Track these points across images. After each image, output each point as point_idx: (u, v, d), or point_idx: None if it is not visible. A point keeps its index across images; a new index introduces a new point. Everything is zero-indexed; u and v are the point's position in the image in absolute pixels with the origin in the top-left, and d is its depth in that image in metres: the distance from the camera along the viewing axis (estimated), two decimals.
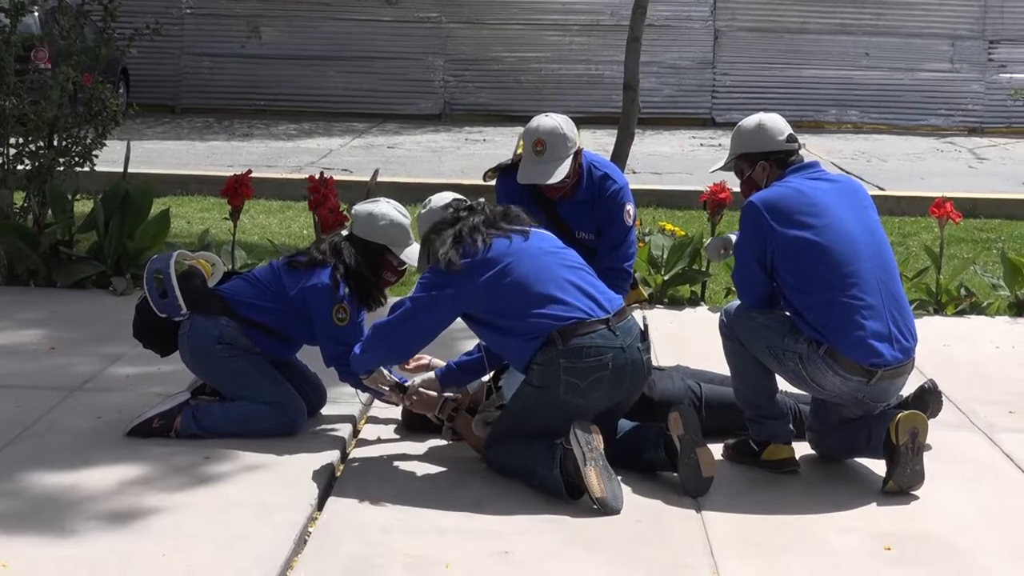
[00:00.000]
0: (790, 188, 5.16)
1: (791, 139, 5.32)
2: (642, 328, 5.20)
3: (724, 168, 5.55)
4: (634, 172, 15.49)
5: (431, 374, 5.52)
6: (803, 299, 5.03)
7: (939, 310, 8.33)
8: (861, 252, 5.05)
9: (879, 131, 23.16)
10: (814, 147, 19.87)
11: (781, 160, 5.29)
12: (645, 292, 7.91)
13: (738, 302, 5.31)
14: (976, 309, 8.35)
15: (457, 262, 5.03)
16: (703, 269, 8.54)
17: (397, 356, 5.40)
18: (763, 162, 5.30)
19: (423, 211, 5.38)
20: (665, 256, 8.55)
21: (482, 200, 5.43)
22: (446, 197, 5.39)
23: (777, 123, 5.36)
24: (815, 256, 5.00)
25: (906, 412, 4.96)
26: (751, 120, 5.42)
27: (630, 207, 6.17)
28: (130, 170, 9.43)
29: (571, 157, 5.95)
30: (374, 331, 5.26)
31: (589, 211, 6.05)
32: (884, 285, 5.05)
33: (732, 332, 5.22)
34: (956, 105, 23.95)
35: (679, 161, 17.33)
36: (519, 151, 6.07)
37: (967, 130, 23.54)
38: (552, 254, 5.20)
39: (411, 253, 5.58)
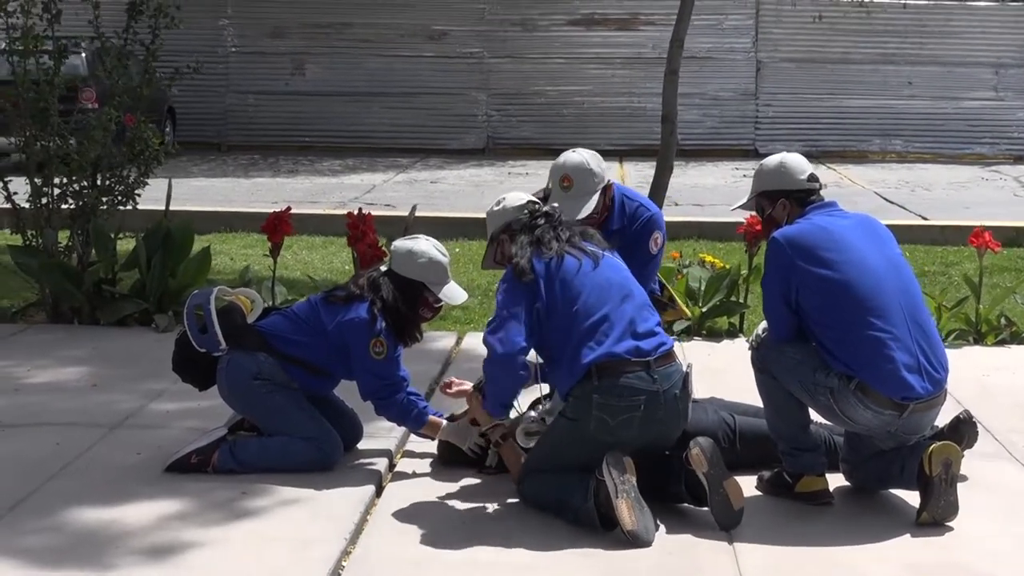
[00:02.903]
0: (812, 224, 5.17)
1: (812, 178, 5.34)
2: (685, 373, 5.18)
3: (745, 206, 5.58)
4: (676, 204, 15.52)
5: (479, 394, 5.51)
6: (830, 334, 5.03)
7: (979, 340, 8.30)
8: (885, 285, 5.05)
9: (924, 160, 23.11)
10: (858, 177, 19.84)
11: (801, 199, 5.31)
12: (687, 311, 7.85)
13: (767, 334, 5.32)
14: (1016, 339, 8.31)
15: (529, 272, 5.08)
16: (741, 301, 8.54)
17: (519, 369, 5.18)
18: (783, 200, 5.32)
19: (496, 208, 5.42)
20: (703, 288, 8.56)
21: (556, 205, 5.47)
22: (521, 197, 5.44)
23: (799, 162, 5.38)
24: (839, 291, 5.01)
25: (939, 443, 4.95)
26: (773, 159, 5.45)
27: (658, 235, 6.18)
28: (174, 208, 9.54)
29: (599, 192, 5.98)
30: (486, 370, 5.26)
31: (620, 244, 6.06)
32: (911, 317, 5.04)
33: (764, 365, 5.23)
34: (1001, 133, 23.89)
35: (722, 193, 17.32)
36: (550, 185, 6.11)
37: (1013, 158, 23.45)
38: (616, 286, 5.19)
39: (448, 291, 5.63)
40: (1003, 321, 8.41)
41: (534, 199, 5.44)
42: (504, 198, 5.45)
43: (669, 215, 12.99)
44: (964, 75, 23.82)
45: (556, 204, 5.59)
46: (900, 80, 23.86)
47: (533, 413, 5.57)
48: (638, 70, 23.50)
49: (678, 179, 17.58)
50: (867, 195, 17.45)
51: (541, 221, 5.28)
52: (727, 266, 9.11)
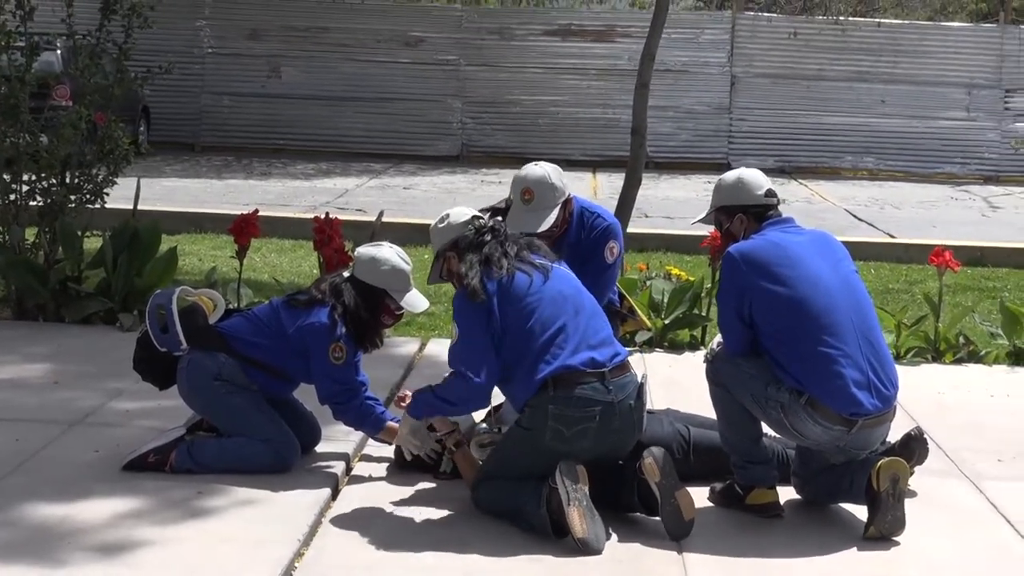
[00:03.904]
0: (766, 240, 5.24)
1: (769, 194, 5.40)
2: (639, 383, 5.23)
3: (704, 220, 5.64)
4: (646, 216, 15.61)
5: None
6: (781, 349, 5.09)
7: (937, 358, 8.37)
8: (837, 302, 5.12)
9: (895, 178, 23.30)
10: (828, 194, 19.96)
11: (759, 214, 5.37)
12: (647, 322, 7.90)
13: (721, 348, 5.38)
14: (974, 358, 8.39)
15: (481, 293, 5.12)
16: (703, 314, 8.60)
17: (483, 392, 5.24)
18: (740, 215, 5.39)
19: (440, 225, 5.41)
20: (666, 300, 8.61)
21: (500, 219, 5.51)
22: (465, 213, 5.43)
23: (756, 178, 5.44)
24: (792, 307, 5.07)
25: (887, 459, 5.01)
26: (731, 174, 5.52)
27: (614, 245, 6.22)
28: (145, 207, 9.57)
29: (559, 206, 6.03)
30: (453, 394, 5.31)
31: (576, 255, 6.10)
32: (862, 334, 5.10)
33: (718, 378, 5.29)
34: (972, 153, 24.07)
35: (693, 206, 17.36)
36: (511, 197, 6.16)
37: (983, 178, 23.67)
38: (568, 299, 5.24)
39: (410, 299, 5.67)
40: (961, 340, 8.49)
41: (478, 214, 5.46)
42: (448, 214, 5.44)
43: (638, 227, 13.16)
44: (937, 95, 24.00)
45: (501, 219, 5.62)
46: (873, 98, 24.02)
47: (485, 425, 5.62)
48: (613, 82, 23.59)
49: (650, 191, 17.70)
50: (837, 212, 17.57)
51: (488, 237, 5.30)
52: (692, 279, 9.16)
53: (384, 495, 5.45)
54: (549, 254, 5.41)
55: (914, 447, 5.62)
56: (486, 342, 5.14)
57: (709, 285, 8.69)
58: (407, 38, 24.01)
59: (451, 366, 5.30)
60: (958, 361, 8.37)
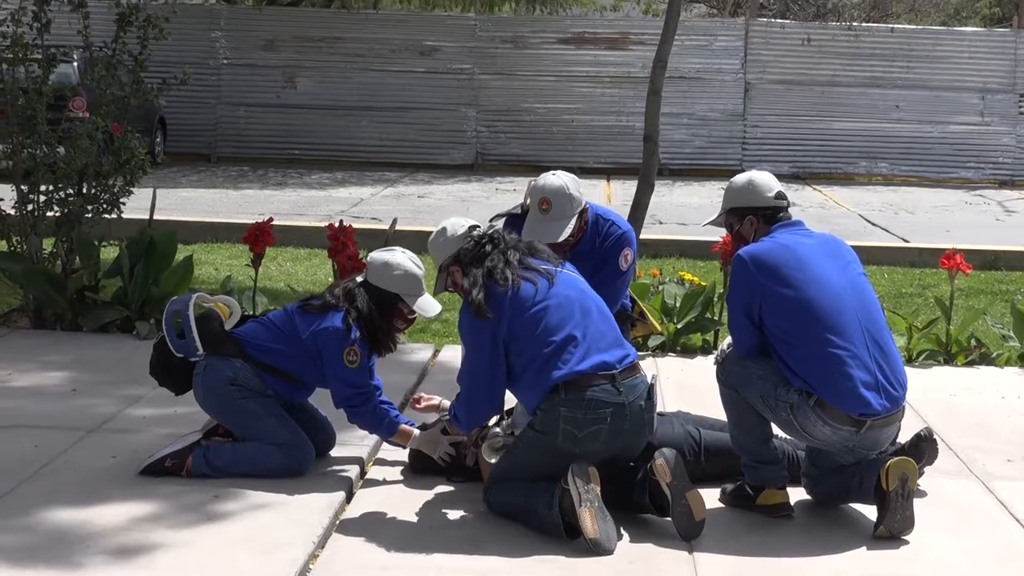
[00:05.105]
0: (776, 243, 5.28)
1: (779, 196, 5.45)
2: (650, 384, 5.28)
3: (715, 222, 5.69)
4: (660, 223, 15.65)
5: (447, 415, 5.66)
6: (790, 351, 5.14)
7: (949, 360, 8.40)
8: (845, 304, 5.16)
9: (909, 183, 23.30)
10: (843, 199, 19.98)
11: (768, 216, 5.41)
12: (658, 326, 7.96)
13: (731, 349, 5.43)
14: (985, 360, 8.42)
15: (486, 310, 5.16)
16: (715, 318, 8.64)
17: (491, 407, 5.43)
18: (751, 217, 5.43)
19: (440, 240, 5.44)
20: (678, 305, 8.66)
21: (496, 226, 5.54)
22: (462, 224, 5.45)
23: (766, 180, 5.49)
24: (800, 309, 5.11)
25: (896, 458, 5.05)
26: (742, 177, 5.56)
27: (628, 252, 6.29)
28: (162, 217, 9.64)
29: (576, 216, 6.10)
30: (459, 398, 5.45)
31: (590, 261, 6.17)
32: (870, 335, 5.14)
33: (728, 379, 5.34)
34: (987, 158, 24.07)
35: (706, 212, 17.18)
36: (527, 203, 6.22)
37: (998, 183, 23.65)
38: (574, 302, 5.27)
39: (422, 304, 5.72)
40: (973, 342, 8.52)
41: (475, 223, 5.47)
42: (445, 228, 5.46)
43: (652, 233, 13.21)
44: (951, 100, 24.01)
45: (507, 221, 5.66)
46: (887, 103, 24.04)
47: (498, 429, 5.67)
48: (627, 89, 23.64)
49: (664, 198, 17.77)
50: (851, 217, 17.59)
51: (488, 248, 5.33)
52: (704, 284, 9.20)
53: (398, 498, 5.50)
54: (553, 257, 5.45)
55: (924, 447, 5.65)
56: (492, 355, 5.21)
57: (721, 290, 8.73)
58: (421, 47, 24.11)
59: (459, 382, 5.43)
60: (970, 363, 8.39)
